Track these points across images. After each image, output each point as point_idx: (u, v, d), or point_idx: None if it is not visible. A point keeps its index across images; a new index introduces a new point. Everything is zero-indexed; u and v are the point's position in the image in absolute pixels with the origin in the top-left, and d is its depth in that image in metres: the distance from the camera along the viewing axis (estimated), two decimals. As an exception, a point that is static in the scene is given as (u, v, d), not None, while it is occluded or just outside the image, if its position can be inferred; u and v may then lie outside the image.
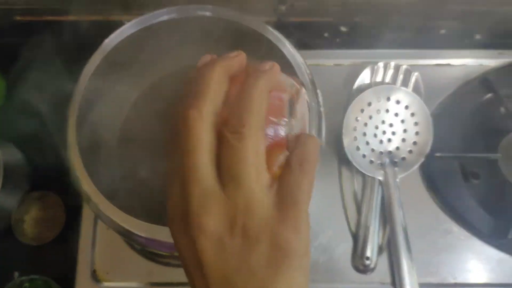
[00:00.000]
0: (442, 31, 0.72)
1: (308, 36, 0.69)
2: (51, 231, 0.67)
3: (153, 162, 0.42)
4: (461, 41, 0.68)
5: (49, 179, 0.70)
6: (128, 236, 0.41)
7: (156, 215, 0.41)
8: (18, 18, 0.73)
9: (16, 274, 0.66)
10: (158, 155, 0.42)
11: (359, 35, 0.73)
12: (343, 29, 0.74)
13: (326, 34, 0.74)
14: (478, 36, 0.70)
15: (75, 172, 0.42)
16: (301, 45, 0.50)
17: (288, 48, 0.47)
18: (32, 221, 0.68)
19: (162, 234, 0.39)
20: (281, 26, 0.50)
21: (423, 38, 0.69)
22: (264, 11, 0.69)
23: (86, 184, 0.41)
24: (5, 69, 0.72)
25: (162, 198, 0.40)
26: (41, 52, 0.65)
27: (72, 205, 0.65)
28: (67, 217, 0.67)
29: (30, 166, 0.69)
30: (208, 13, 0.47)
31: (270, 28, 0.48)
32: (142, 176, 0.43)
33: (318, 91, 0.48)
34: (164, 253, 0.44)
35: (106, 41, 0.45)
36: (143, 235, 0.40)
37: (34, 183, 0.69)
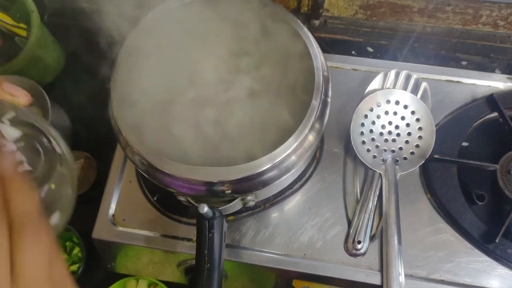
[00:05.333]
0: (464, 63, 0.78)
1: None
2: (80, 188, 0.75)
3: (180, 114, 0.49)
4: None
5: (88, 144, 0.79)
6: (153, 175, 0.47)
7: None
8: (84, 5, 0.84)
9: (44, 222, 0.73)
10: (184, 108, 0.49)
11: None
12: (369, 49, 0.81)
13: (353, 52, 0.81)
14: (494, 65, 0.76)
15: (116, 123, 0.49)
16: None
17: (314, 48, 0.52)
18: (65, 178, 0.76)
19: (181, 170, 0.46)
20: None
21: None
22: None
23: (125, 133, 0.48)
24: (64, 44, 0.83)
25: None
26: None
27: (102, 168, 0.72)
28: (96, 179, 0.75)
29: (73, 130, 0.78)
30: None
31: (301, 24, 0.53)
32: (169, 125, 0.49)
33: (330, 86, 0.54)
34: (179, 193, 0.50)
35: (147, 16, 0.53)
36: (167, 171, 0.46)
37: (74, 145, 0.77)
